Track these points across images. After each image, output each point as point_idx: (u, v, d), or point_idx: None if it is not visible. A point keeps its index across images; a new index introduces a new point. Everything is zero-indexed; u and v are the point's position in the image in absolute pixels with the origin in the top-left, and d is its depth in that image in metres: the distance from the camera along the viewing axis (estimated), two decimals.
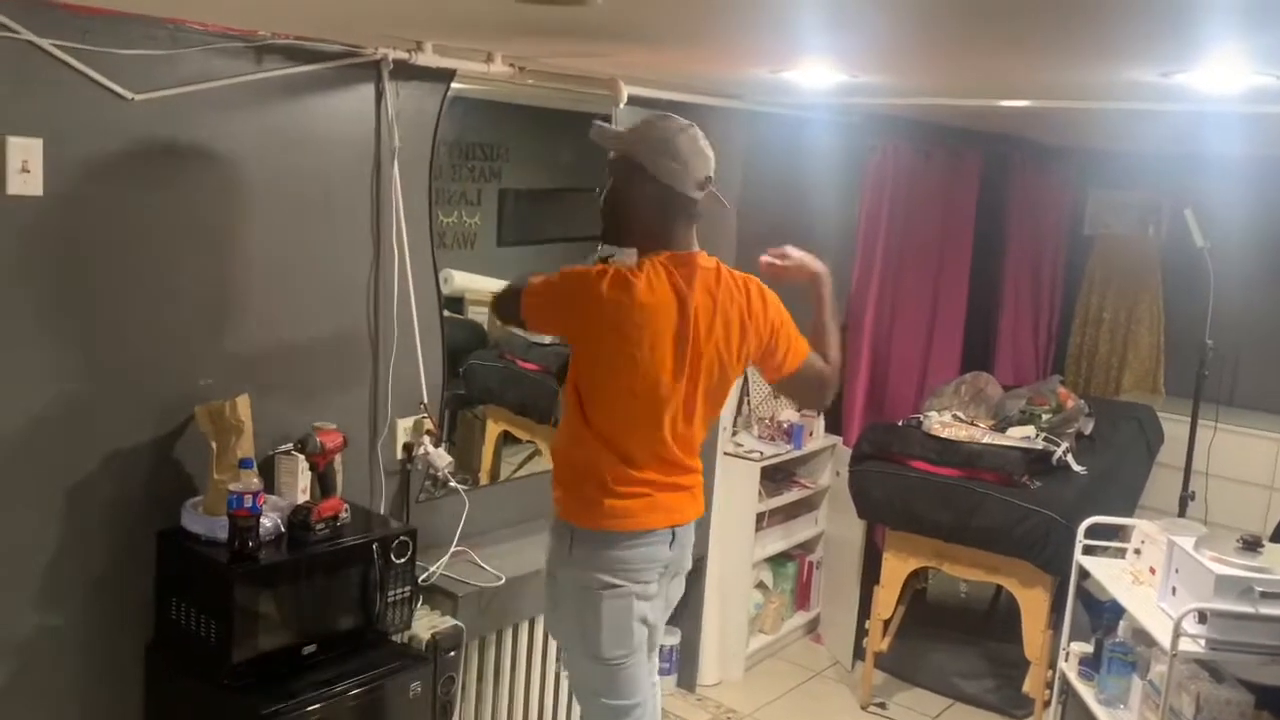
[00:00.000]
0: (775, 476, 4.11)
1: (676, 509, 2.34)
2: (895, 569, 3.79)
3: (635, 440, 2.29)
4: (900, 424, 3.99)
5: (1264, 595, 2.47)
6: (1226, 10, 1.66)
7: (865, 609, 3.96)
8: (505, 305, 2.44)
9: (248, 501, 2.31)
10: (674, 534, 2.34)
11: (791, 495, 4.17)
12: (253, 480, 2.34)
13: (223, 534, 2.35)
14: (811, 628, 4.41)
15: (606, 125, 2.37)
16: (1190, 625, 2.52)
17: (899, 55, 2.42)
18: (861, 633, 3.98)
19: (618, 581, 2.29)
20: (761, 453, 3.92)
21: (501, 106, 3.63)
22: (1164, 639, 2.56)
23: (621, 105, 3.12)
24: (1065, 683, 3.15)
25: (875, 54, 2.42)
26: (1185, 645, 2.52)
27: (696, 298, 2.26)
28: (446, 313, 3.17)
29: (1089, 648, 3.05)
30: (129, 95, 2.27)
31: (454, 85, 2.91)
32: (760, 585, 4.16)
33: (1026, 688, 3.63)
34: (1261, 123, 3.16)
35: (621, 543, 2.28)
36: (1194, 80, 2.32)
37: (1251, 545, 2.59)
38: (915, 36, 2.13)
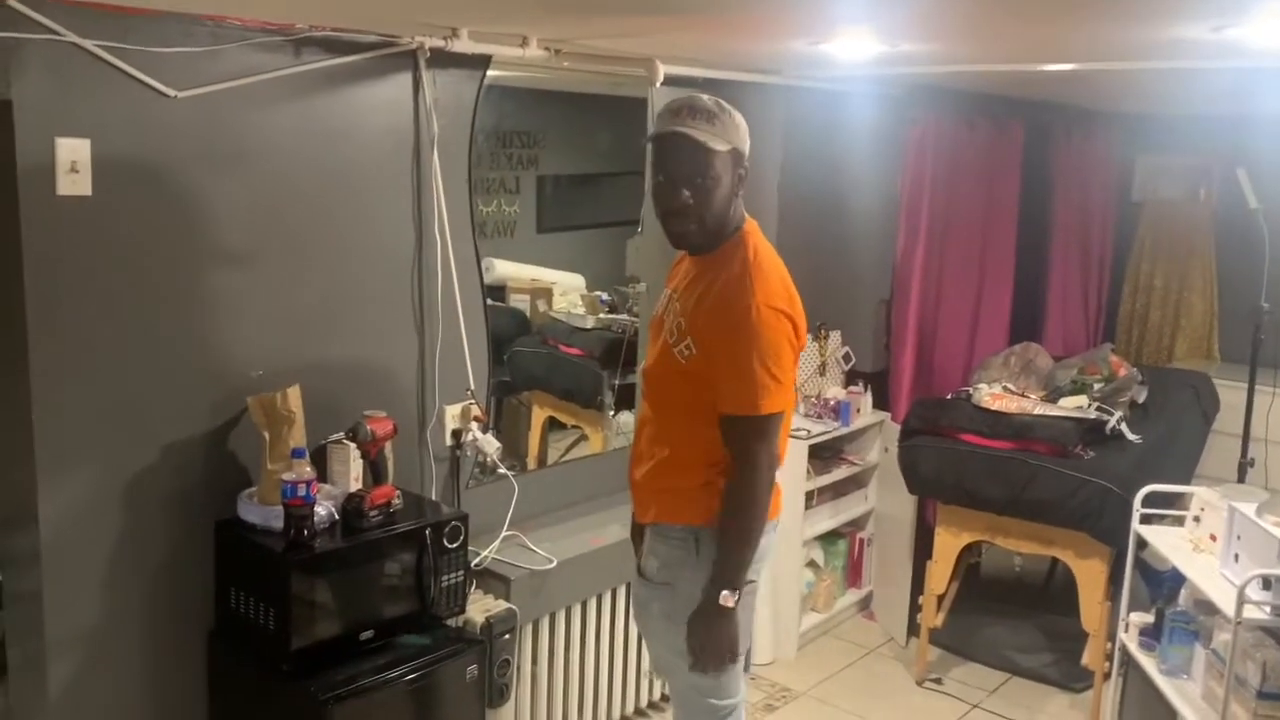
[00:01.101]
0: (823, 454, 4.09)
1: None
2: (948, 544, 3.75)
3: None
4: (949, 398, 3.94)
5: None
6: None
7: (918, 585, 3.93)
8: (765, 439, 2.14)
9: (301, 490, 2.34)
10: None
11: (840, 473, 4.14)
12: (305, 469, 2.37)
13: (278, 523, 2.39)
14: (864, 605, 4.38)
15: (698, 129, 2.07)
16: (1255, 592, 2.47)
17: (939, 22, 2.38)
18: (915, 609, 3.95)
19: (751, 577, 2.22)
20: (809, 431, 3.89)
21: (538, 94, 3.63)
22: (1228, 607, 2.51)
23: (658, 84, 3.10)
24: (1126, 654, 3.11)
25: (915, 21, 2.38)
26: (1250, 612, 2.47)
27: None
28: (489, 301, 3.19)
29: (1149, 618, 3.00)
30: (171, 93, 2.30)
31: (490, 73, 2.91)
32: (811, 564, 4.14)
33: (1085, 660, 3.59)
34: None
35: None
36: (1247, 35, 2.26)
37: None
38: (956, 1, 2.09)
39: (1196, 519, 2.93)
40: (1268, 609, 2.47)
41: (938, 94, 4.16)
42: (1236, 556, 2.62)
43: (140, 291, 2.34)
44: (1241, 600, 2.46)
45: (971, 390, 3.86)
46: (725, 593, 2.11)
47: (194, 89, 2.34)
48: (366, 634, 2.48)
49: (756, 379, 2.05)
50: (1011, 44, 2.72)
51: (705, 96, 2.15)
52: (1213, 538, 2.81)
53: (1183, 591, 2.89)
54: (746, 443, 2.10)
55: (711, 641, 2.16)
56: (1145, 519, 3.10)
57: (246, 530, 2.44)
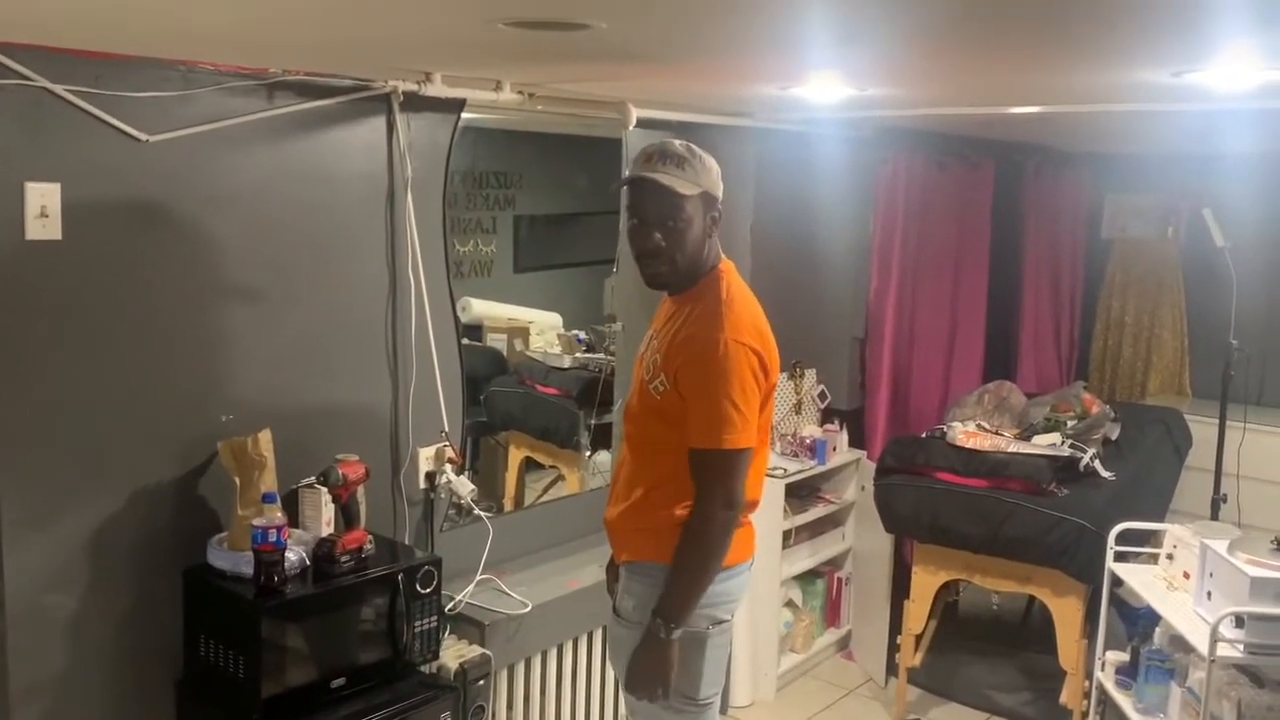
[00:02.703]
0: (800, 493, 4.09)
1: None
2: (925, 582, 3.75)
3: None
4: (924, 436, 3.95)
5: None
6: (1237, 8, 1.65)
7: (897, 624, 3.91)
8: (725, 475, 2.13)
9: (272, 536, 2.32)
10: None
11: (817, 511, 4.14)
12: (276, 514, 2.35)
13: (248, 569, 2.36)
14: (843, 645, 4.37)
15: (668, 174, 2.11)
16: (1227, 630, 2.48)
17: (906, 67, 2.41)
18: (894, 648, 3.93)
19: (723, 616, 2.24)
20: (785, 469, 3.89)
21: (513, 134, 3.66)
22: (1201, 645, 2.52)
23: (631, 128, 3.13)
24: (1103, 693, 3.11)
25: (882, 67, 2.42)
26: (1223, 650, 2.48)
27: None
28: (465, 340, 3.19)
29: (1125, 656, 3.01)
30: (143, 137, 2.30)
31: (465, 115, 2.93)
32: (789, 604, 4.13)
33: (1064, 699, 3.57)
34: (1275, 118, 3.13)
35: (725, 576, 2.22)
36: (1205, 79, 2.31)
37: None
38: (921, 48, 2.13)
39: (1170, 556, 2.94)
40: (1241, 647, 2.48)
41: (908, 135, 4.22)
42: (1209, 594, 2.63)
43: (110, 336, 2.32)
44: (1215, 638, 2.47)
45: (946, 428, 3.88)
46: (661, 623, 2.11)
47: (166, 133, 2.34)
48: (338, 681, 2.45)
49: (721, 413, 2.07)
50: (977, 87, 2.77)
51: (677, 142, 2.18)
52: (1186, 575, 2.82)
53: (1157, 629, 2.89)
54: (706, 477, 2.11)
55: (640, 669, 2.16)
56: (1120, 556, 3.11)
57: (216, 577, 2.41)
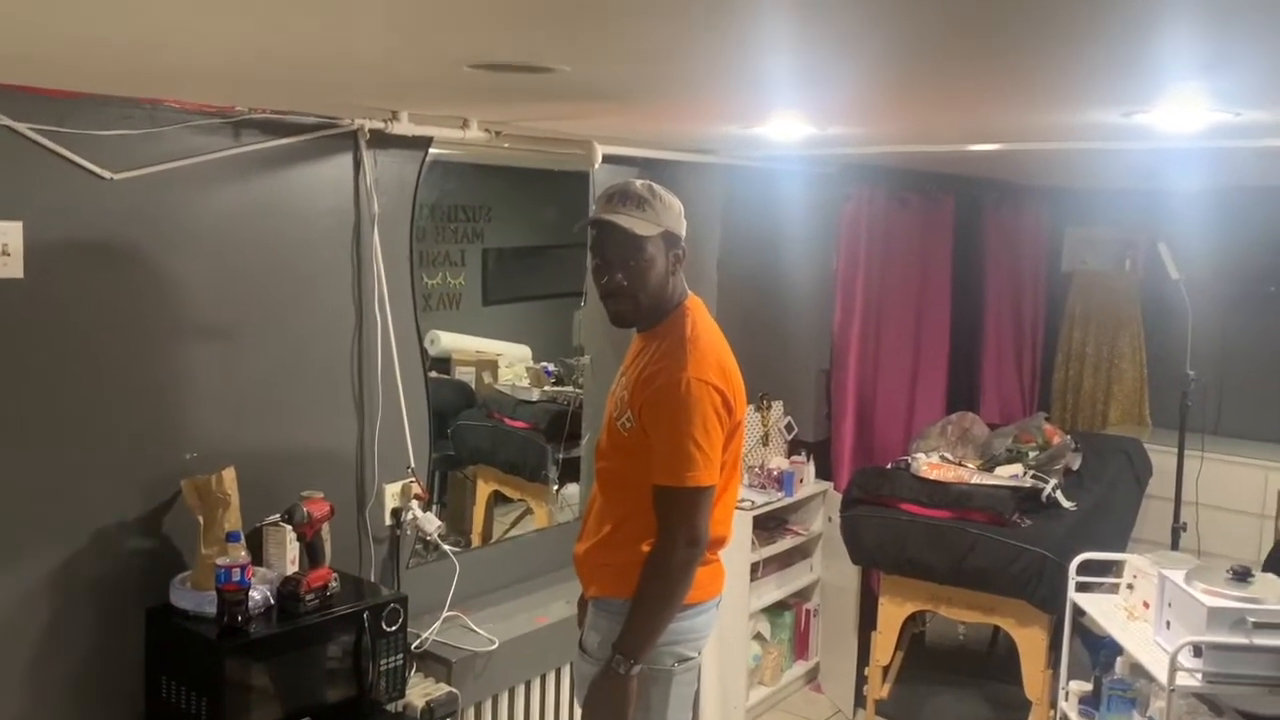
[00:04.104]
0: (768, 525, 4.10)
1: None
2: (892, 614, 3.77)
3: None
4: (889, 467, 3.99)
5: (1257, 626, 2.47)
6: (1182, 57, 1.71)
7: (864, 655, 3.93)
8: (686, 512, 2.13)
9: (236, 575, 2.30)
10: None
11: (785, 543, 4.15)
12: (240, 553, 2.33)
13: (211, 609, 2.34)
14: (811, 677, 4.37)
15: (628, 215, 2.15)
16: (1186, 659, 2.52)
17: (865, 107, 2.47)
18: (862, 680, 3.94)
19: (689, 653, 2.25)
20: (753, 501, 3.91)
21: (482, 168, 3.68)
22: (1161, 674, 2.55)
23: (596, 166, 3.16)
24: None
25: (842, 107, 2.46)
26: (1182, 680, 2.52)
27: None
28: (434, 373, 3.19)
29: (1088, 686, 3.04)
30: (108, 175, 2.30)
31: (433, 149, 2.95)
32: (758, 636, 4.13)
33: None
34: (1223, 156, 3.22)
35: (692, 613, 2.23)
36: (1154, 119, 2.37)
37: (1242, 576, 2.59)
38: (880, 89, 2.18)
39: (1130, 586, 2.98)
40: (1199, 676, 2.52)
41: (870, 171, 4.29)
42: (1168, 624, 2.67)
43: (73, 373, 2.31)
44: (1174, 668, 2.50)
45: (910, 459, 3.92)
46: (620, 658, 2.12)
47: (131, 171, 2.34)
48: None
49: (684, 450, 2.08)
50: (936, 126, 2.83)
51: (639, 182, 2.22)
52: (1146, 605, 2.86)
53: (1119, 659, 2.93)
54: (669, 514, 2.12)
55: (598, 704, 2.17)
56: (1082, 586, 3.15)
57: (179, 617, 2.38)
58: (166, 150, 2.39)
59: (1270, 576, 2.71)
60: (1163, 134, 2.59)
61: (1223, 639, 2.49)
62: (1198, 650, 2.52)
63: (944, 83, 2.05)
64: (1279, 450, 5.06)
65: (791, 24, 1.47)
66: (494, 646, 2.87)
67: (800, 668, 4.32)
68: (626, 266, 2.16)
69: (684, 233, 2.25)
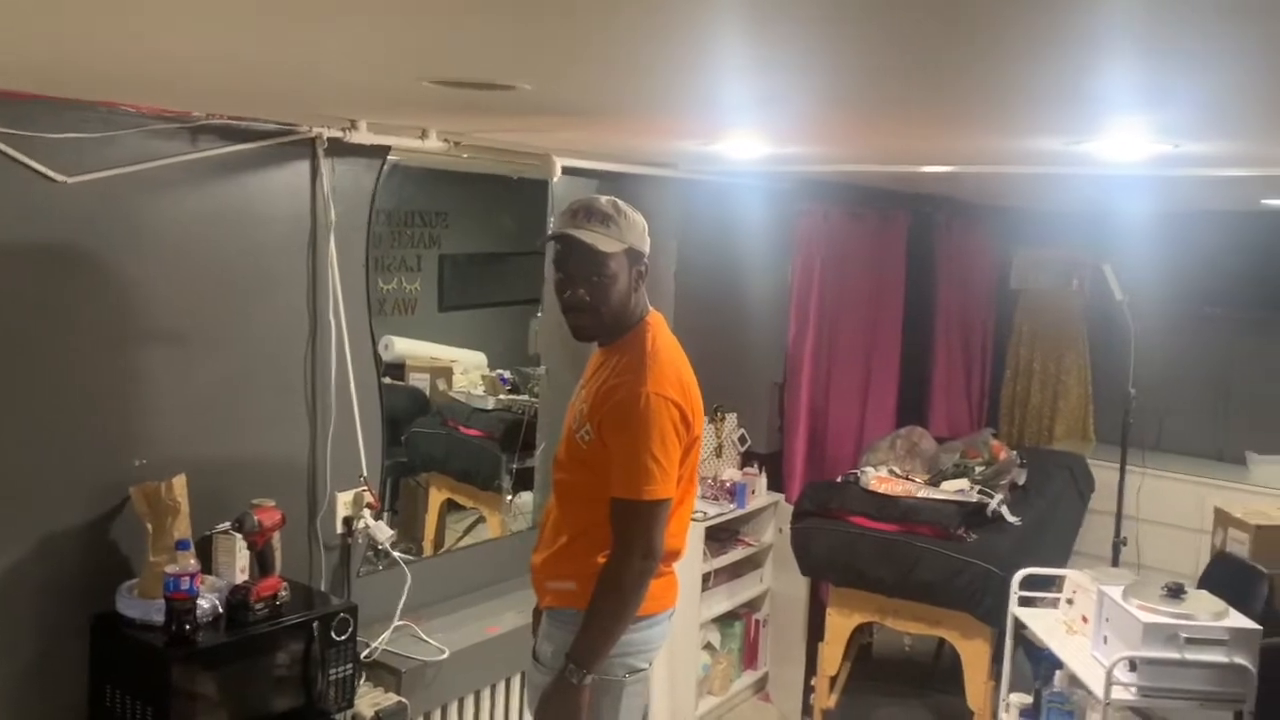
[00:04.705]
0: (720, 536, 4.14)
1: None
2: (839, 625, 3.82)
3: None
4: (839, 480, 4.05)
5: (1189, 641, 2.55)
6: (1121, 92, 1.77)
7: (812, 666, 3.98)
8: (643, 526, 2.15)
9: (185, 584, 2.29)
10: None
11: (736, 554, 4.19)
12: (189, 562, 2.32)
13: (159, 617, 2.32)
14: (760, 686, 4.41)
15: (592, 231, 2.16)
16: (1121, 673, 2.59)
17: (821, 130, 2.51)
18: (809, 690, 3.99)
19: (641, 665, 2.26)
20: (705, 513, 3.94)
21: (439, 174, 3.68)
22: (1097, 688, 2.62)
23: (555, 180, 3.18)
24: None
25: (798, 129, 2.51)
26: (1118, 693, 2.59)
27: None
28: (388, 379, 3.18)
29: (1028, 698, 3.10)
30: (61, 179, 2.28)
31: (391, 156, 2.95)
32: (708, 646, 4.16)
33: None
34: (1165, 183, 3.32)
35: (645, 625, 2.25)
36: (1097, 148, 2.45)
37: (1175, 592, 2.67)
38: (835, 114, 2.22)
39: (1070, 601, 3.05)
40: (1134, 690, 2.59)
41: (826, 187, 4.35)
42: (1106, 638, 2.74)
43: (21, 378, 2.28)
44: (1110, 681, 2.57)
45: (860, 473, 3.98)
46: (573, 667, 2.14)
47: (86, 175, 2.32)
48: None
49: (642, 464, 2.11)
50: (889, 149, 2.89)
51: (604, 199, 2.23)
52: (1085, 619, 2.93)
53: (1058, 672, 2.99)
54: (625, 527, 2.14)
55: (550, 713, 2.18)
56: (1024, 600, 3.22)
57: (125, 625, 2.36)
58: (122, 154, 2.38)
59: (1203, 593, 2.79)
60: (1105, 162, 2.67)
61: (1156, 654, 2.56)
62: (1133, 664, 2.59)
63: (896, 111, 2.10)
64: (1217, 467, 5.20)
65: (749, 50, 1.51)
66: (444, 656, 2.88)
67: (749, 677, 4.36)
68: (589, 282, 2.18)
69: (648, 249, 2.27)
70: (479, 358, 4.43)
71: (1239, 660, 2.56)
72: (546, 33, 1.43)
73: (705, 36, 1.41)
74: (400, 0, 1.26)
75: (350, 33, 1.48)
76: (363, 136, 2.70)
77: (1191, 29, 1.22)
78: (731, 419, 4.30)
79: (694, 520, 3.86)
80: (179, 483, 2.43)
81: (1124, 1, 1.15)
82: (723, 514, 4.03)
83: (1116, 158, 2.58)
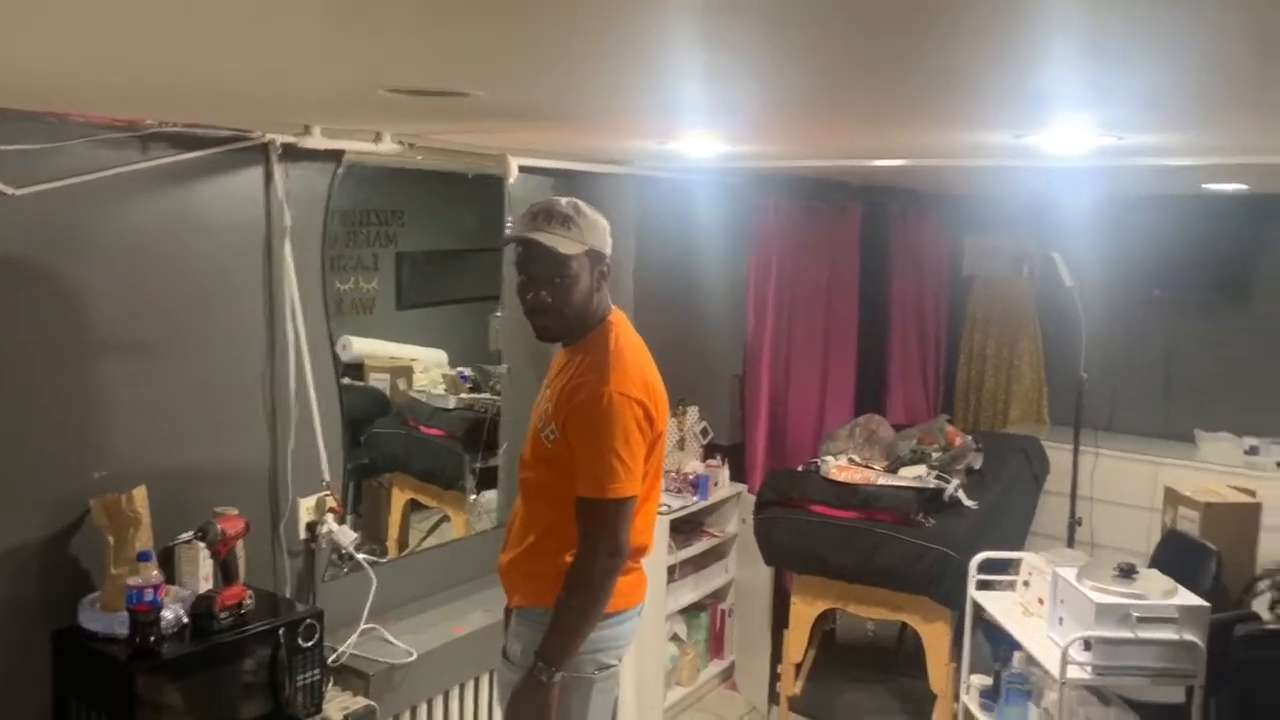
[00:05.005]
0: (684, 528, 4.17)
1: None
2: (803, 612, 3.88)
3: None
4: (800, 469, 4.10)
5: (1141, 620, 2.62)
6: (1066, 90, 1.81)
7: (778, 653, 4.03)
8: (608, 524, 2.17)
9: (148, 595, 2.28)
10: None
11: (701, 545, 4.23)
12: (152, 573, 2.31)
13: (122, 630, 2.31)
14: (727, 675, 4.46)
15: (553, 234, 2.18)
16: (1076, 653, 2.66)
17: (775, 129, 2.55)
18: (775, 677, 4.04)
19: (609, 661, 2.29)
20: (669, 505, 3.97)
21: (394, 172, 3.66)
22: (1054, 668, 2.69)
23: (511, 180, 3.19)
24: (968, 715, 3.27)
25: (753, 129, 2.54)
26: (1073, 672, 2.66)
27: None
28: (347, 380, 3.17)
29: (989, 680, 3.17)
30: (9, 190, 2.25)
31: (345, 156, 2.94)
32: (674, 637, 4.20)
33: None
34: (1111, 171, 3.39)
35: (613, 621, 2.27)
36: (1043, 141, 2.50)
37: (1127, 572, 2.74)
38: (788, 115, 2.25)
39: (1026, 583, 3.13)
40: (1089, 669, 2.66)
41: (781, 181, 4.39)
42: (1061, 619, 2.81)
43: None
44: (1065, 661, 2.64)
45: (820, 462, 4.03)
46: (542, 665, 2.16)
47: (34, 186, 2.29)
48: None
49: (606, 463, 2.13)
50: (842, 145, 2.92)
51: (564, 200, 2.25)
52: (1041, 601, 3.00)
53: (1016, 653, 3.06)
54: (591, 525, 2.16)
55: (520, 711, 2.21)
56: (982, 584, 3.28)
57: (88, 639, 2.35)
58: (71, 165, 2.35)
59: (1153, 573, 2.87)
60: (1052, 154, 2.72)
61: (1110, 633, 2.64)
62: (1087, 644, 2.66)
63: (849, 110, 2.14)
64: (1166, 446, 5.33)
65: (700, 56, 1.53)
66: (412, 658, 2.88)
67: (716, 667, 4.40)
68: (551, 284, 2.20)
69: (609, 250, 2.29)
70: (439, 356, 4.42)
71: (1189, 637, 2.64)
72: (500, 43, 1.44)
73: (656, 45, 1.43)
74: (353, 14, 1.26)
75: (304, 46, 1.48)
76: (317, 141, 2.68)
77: (1132, 25, 1.25)
78: (693, 412, 4.34)
79: (659, 513, 3.90)
80: (139, 494, 2.41)
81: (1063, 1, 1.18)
82: (686, 506, 4.07)
83: (1062, 150, 2.63)
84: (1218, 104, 1.92)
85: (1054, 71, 1.63)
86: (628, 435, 2.15)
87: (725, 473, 4.32)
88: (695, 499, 4.12)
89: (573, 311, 2.24)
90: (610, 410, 2.14)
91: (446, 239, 4.47)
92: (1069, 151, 2.65)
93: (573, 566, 2.18)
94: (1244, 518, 3.79)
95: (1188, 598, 2.73)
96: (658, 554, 3.89)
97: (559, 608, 2.18)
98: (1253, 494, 3.93)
